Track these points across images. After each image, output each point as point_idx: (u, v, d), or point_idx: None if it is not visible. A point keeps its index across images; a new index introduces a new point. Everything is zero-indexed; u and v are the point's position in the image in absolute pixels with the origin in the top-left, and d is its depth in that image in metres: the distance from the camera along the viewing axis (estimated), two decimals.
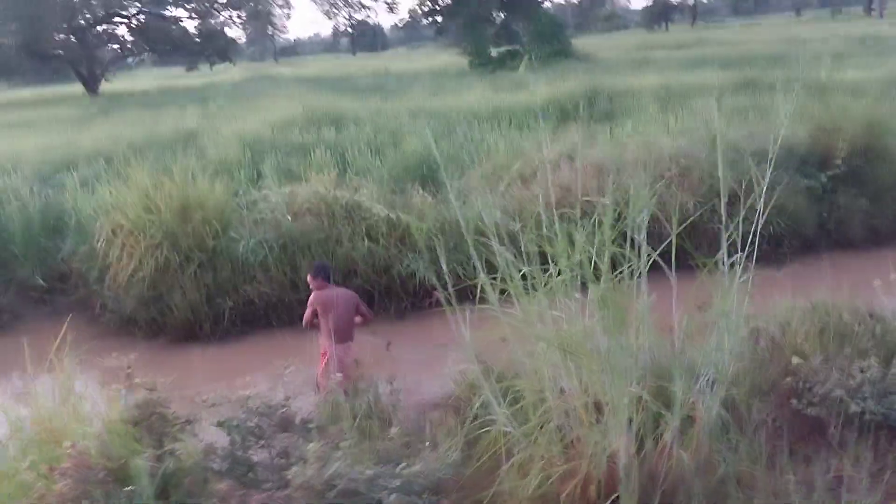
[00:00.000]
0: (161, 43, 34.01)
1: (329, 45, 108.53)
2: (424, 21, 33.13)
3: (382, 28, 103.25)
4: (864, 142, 10.49)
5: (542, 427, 4.02)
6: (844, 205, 10.03)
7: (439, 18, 31.23)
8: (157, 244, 8.32)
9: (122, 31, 34.29)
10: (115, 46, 34.08)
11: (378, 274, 8.63)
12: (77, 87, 33.57)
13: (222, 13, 37.13)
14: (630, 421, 3.83)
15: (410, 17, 32.16)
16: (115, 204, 8.63)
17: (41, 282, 9.29)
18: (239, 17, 38.10)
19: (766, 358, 5.24)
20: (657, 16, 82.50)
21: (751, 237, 4.55)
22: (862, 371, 4.68)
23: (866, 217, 10.01)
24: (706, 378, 4.13)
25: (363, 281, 8.48)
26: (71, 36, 29.44)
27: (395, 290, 8.62)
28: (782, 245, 9.50)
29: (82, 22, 30.51)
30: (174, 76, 47.27)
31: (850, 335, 5.36)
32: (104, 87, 34.82)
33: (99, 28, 33.28)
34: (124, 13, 32.89)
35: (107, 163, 11.72)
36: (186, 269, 8.38)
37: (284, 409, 3.23)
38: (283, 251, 8.60)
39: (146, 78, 49.57)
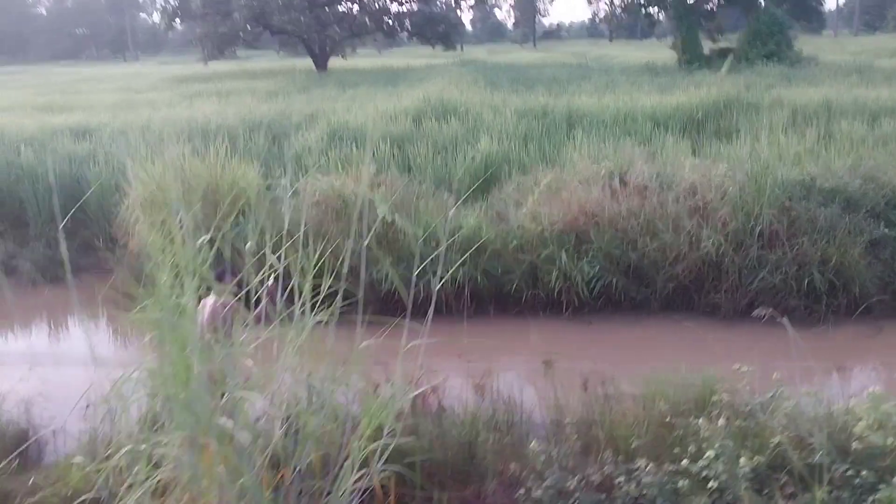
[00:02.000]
0: (385, 25, 35.84)
1: (593, 31, 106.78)
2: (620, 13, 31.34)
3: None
4: None
5: None
6: None
7: (653, 10, 29.41)
8: (162, 220, 8.98)
9: (354, 10, 36.64)
10: (331, 26, 36.03)
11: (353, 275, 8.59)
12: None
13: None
14: None
15: (621, 8, 30.34)
16: (142, 179, 9.41)
17: (98, 242, 10.46)
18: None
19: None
20: None
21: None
22: (589, 475, 3.94)
23: None
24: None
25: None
26: (301, 13, 31.92)
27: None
28: (821, 303, 7.97)
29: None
30: (429, 55, 49.63)
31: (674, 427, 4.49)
32: (337, 63, 37.57)
33: (336, 7, 35.82)
34: None
35: (203, 137, 12.85)
36: None
37: None
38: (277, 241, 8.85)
39: (401, 56, 52.45)
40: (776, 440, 3.98)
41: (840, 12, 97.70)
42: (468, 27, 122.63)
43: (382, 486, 3.73)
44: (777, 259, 8.10)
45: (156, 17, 33.51)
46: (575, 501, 3.80)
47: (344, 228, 8.98)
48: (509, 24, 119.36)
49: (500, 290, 8.51)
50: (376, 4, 36.67)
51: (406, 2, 37.42)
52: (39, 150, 12.20)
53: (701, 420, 4.19)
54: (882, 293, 8.14)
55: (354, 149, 11.69)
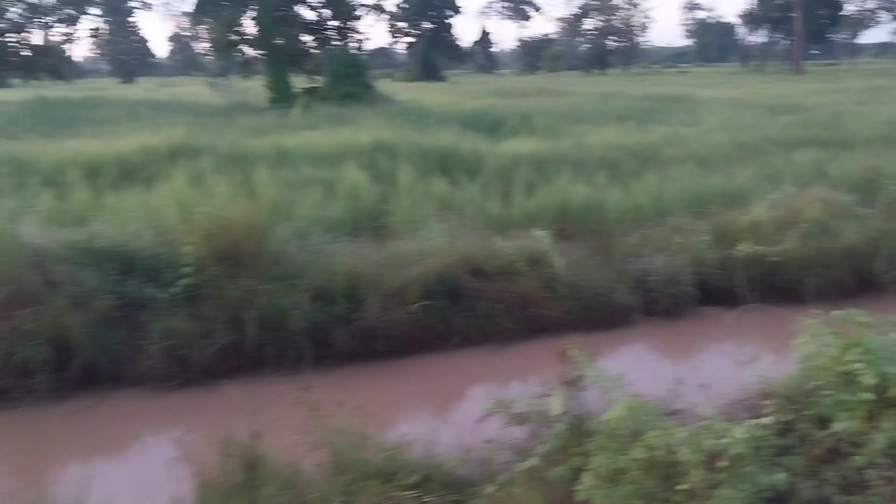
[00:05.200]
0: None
1: None
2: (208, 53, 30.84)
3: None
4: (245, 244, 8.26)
5: None
6: (172, 331, 7.68)
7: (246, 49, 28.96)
8: None
9: None
10: None
11: None
12: None
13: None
14: None
15: (212, 45, 29.46)
16: None
17: None
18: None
19: None
20: (593, 59, 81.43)
21: None
22: None
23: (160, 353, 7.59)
24: None
25: None
26: None
27: None
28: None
29: None
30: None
31: None
32: None
33: None
34: None
35: None
36: None
37: None
38: None
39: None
40: None
41: (513, 54, 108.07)
42: (166, 58, 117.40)
43: None
44: None
45: None
46: None
47: None
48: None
49: None
50: None
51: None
52: None
53: None
54: (142, 361, 7.56)
55: None
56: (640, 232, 10.33)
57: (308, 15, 30.10)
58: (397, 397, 7.34)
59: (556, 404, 4.94)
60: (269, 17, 28.29)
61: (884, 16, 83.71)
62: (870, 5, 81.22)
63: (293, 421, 5.22)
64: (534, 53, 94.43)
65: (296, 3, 28.91)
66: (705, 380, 6.17)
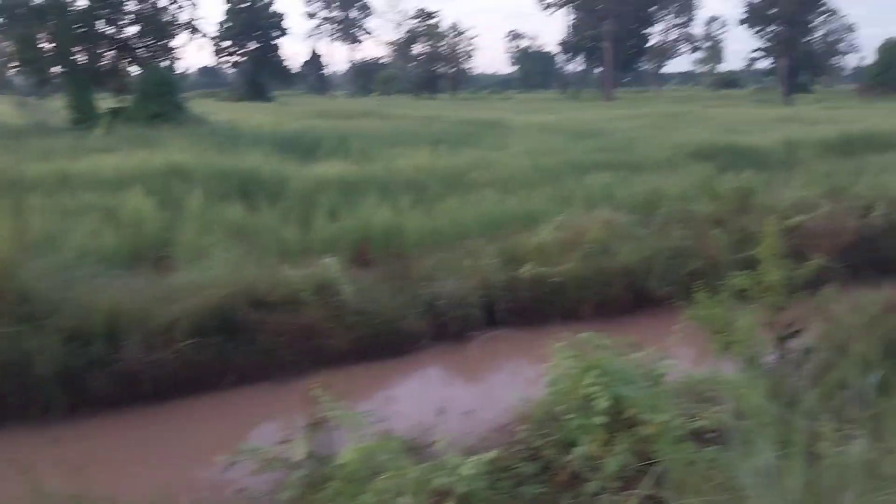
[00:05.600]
0: None
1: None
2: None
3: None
4: None
5: None
6: None
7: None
8: None
9: None
10: None
11: None
12: None
13: None
14: None
15: (12, 62, 27.01)
16: None
17: None
18: None
19: None
20: (424, 83, 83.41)
21: None
22: None
23: None
24: None
25: None
26: None
27: None
28: None
29: None
30: None
31: None
32: None
33: None
34: None
35: None
36: None
37: None
38: None
39: None
40: None
41: (346, 76, 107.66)
42: None
43: None
44: None
45: None
46: None
47: None
48: None
49: None
50: None
51: None
52: None
53: None
54: None
55: None
56: (437, 256, 10.30)
57: (114, 32, 28.31)
58: (150, 446, 6.75)
59: (298, 448, 4.66)
60: (68, 33, 26.35)
61: (684, 47, 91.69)
62: (671, 37, 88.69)
63: (9, 485, 4.60)
64: (366, 76, 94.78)
65: (98, 19, 27.07)
66: (473, 406, 6.11)
